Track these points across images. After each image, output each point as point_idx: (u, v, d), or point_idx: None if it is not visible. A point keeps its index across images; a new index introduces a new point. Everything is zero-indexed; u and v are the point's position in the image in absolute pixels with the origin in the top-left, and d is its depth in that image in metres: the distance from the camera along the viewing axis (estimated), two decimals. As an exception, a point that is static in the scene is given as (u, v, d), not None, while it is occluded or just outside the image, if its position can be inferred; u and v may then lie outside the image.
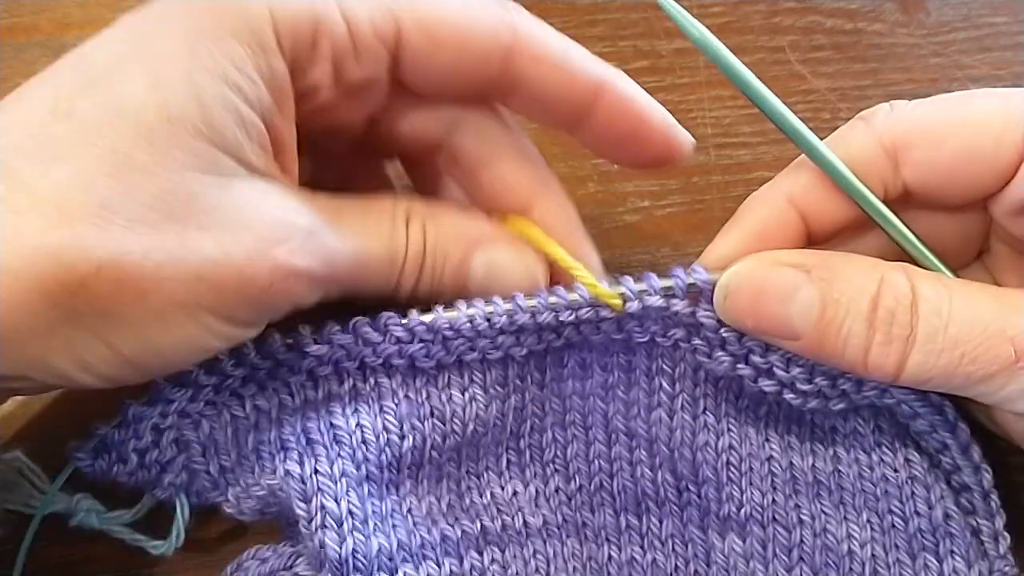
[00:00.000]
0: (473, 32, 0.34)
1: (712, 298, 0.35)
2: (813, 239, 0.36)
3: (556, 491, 0.37)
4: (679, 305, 0.35)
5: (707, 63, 0.51)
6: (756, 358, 0.35)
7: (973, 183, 0.34)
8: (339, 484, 0.33)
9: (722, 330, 0.35)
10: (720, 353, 0.35)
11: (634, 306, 0.35)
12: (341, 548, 0.32)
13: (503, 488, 0.36)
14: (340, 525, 0.32)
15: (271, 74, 0.31)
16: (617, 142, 0.36)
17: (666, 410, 0.36)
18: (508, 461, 0.37)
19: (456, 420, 0.35)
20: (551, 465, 0.37)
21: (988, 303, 0.32)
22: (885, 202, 0.35)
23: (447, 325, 0.34)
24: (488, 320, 0.34)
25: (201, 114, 0.30)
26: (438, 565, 0.34)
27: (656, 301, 0.35)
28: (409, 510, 0.34)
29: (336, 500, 0.32)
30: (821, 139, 0.35)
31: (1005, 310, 0.32)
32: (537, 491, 0.37)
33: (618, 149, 0.37)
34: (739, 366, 0.35)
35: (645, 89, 0.50)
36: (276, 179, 0.32)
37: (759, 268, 0.33)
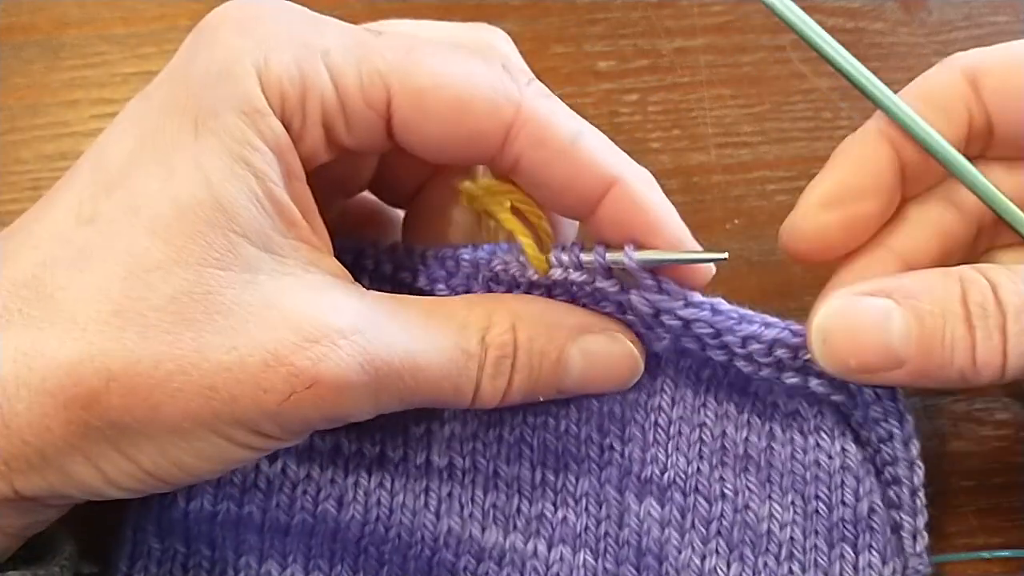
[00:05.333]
0: (470, 107, 0.31)
1: (644, 284, 0.33)
2: (908, 187, 0.36)
3: (472, 436, 0.36)
4: (605, 284, 0.33)
5: (708, 63, 0.51)
6: (701, 329, 0.34)
7: None
8: None
9: (660, 316, 0.34)
10: (660, 330, 0.34)
11: (556, 273, 0.33)
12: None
13: (418, 425, 0.36)
14: None
15: (273, 137, 0.29)
16: (626, 240, 0.33)
17: None
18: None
19: None
20: (474, 410, 0.35)
21: None
22: (972, 131, 0.35)
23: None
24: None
25: (213, 200, 0.28)
26: (321, 468, 0.34)
27: (580, 276, 0.33)
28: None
29: None
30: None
31: None
32: (452, 433, 0.36)
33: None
34: (683, 339, 0.34)
35: (645, 88, 0.50)
36: (305, 258, 0.30)
37: (844, 307, 0.33)
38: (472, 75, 0.31)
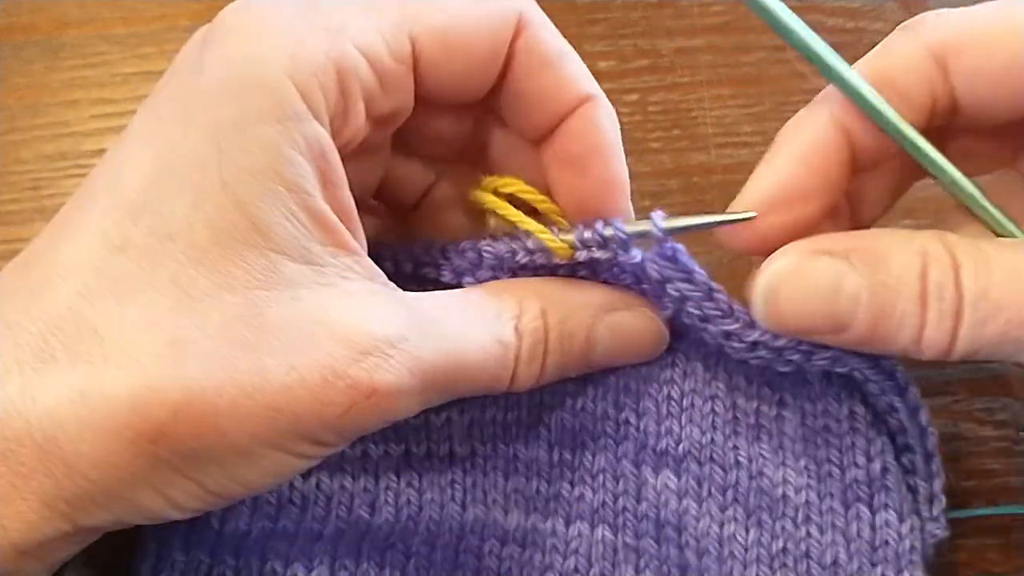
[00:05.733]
0: (487, 29, 0.32)
1: (662, 249, 0.34)
2: (859, 164, 0.34)
3: (492, 421, 0.36)
4: (625, 256, 0.34)
5: (708, 63, 0.51)
6: (692, 309, 0.34)
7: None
8: None
9: (666, 285, 0.34)
10: (665, 299, 0.35)
11: (582, 255, 0.34)
12: None
13: (438, 415, 0.36)
14: None
15: (308, 144, 0.29)
16: (568, 162, 0.34)
17: None
18: None
19: None
20: (491, 395, 0.36)
21: (1020, 254, 0.30)
22: (935, 115, 0.33)
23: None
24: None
25: (247, 222, 0.28)
26: (353, 478, 0.34)
27: (604, 254, 0.34)
28: None
29: None
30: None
31: None
32: (472, 420, 0.36)
33: (565, 171, 0.35)
34: (682, 314, 0.35)
35: (645, 88, 0.50)
36: (343, 263, 0.30)
37: (797, 266, 0.32)
38: (477, 3, 0.32)
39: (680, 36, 0.51)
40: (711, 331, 0.34)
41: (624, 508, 0.35)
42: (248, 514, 0.33)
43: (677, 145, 0.48)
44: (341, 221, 0.30)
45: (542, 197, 0.35)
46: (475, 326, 0.31)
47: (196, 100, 0.29)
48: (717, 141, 0.48)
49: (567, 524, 0.35)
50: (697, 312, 0.34)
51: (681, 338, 0.36)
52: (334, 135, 0.30)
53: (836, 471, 0.35)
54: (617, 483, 0.35)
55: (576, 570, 0.34)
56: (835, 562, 0.34)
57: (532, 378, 0.33)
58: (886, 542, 0.34)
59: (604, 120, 0.34)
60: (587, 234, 0.34)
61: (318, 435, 0.29)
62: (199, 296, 0.27)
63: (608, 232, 0.34)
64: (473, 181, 0.37)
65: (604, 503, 0.35)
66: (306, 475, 0.34)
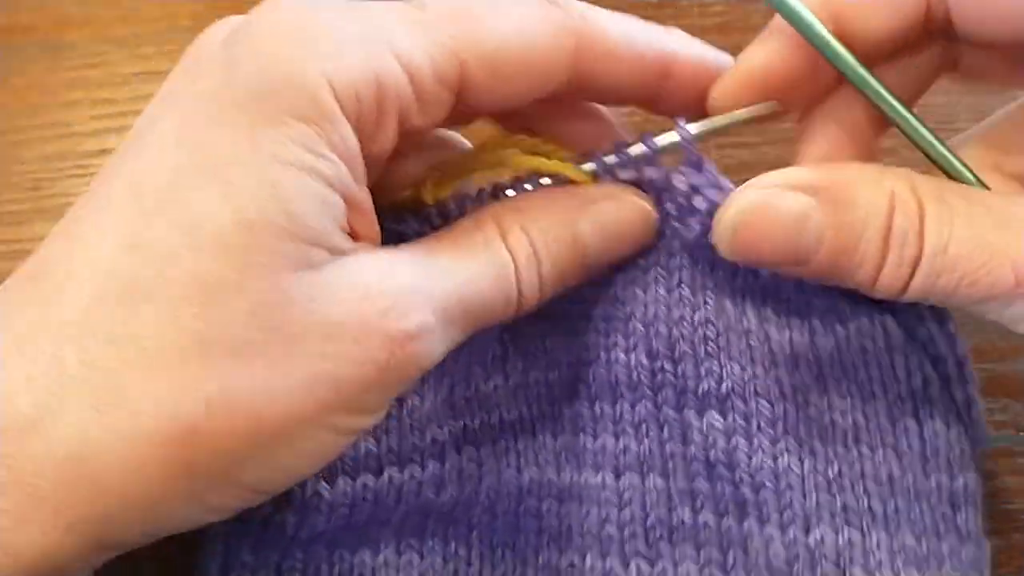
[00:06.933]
0: (536, 55, 0.31)
1: (688, 160, 0.34)
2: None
3: (536, 383, 0.36)
4: (651, 172, 0.34)
5: (708, 63, 0.51)
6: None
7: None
8: None
9: (693, 197, 0.34)
10: (691, 219, 0.35)
11: (606, 180, 0.34)
12: None
13: (485, 383, 0.36)
14: None
15: (344, 146, 0.28)
16: (696, 101, 0.35)
17: (640, 285, 0.36)
18: (493, 356, 0.36)
19: None
20: (531, 357, 0.36)
21: (992, 221, 0.30)
22: (928, 28, 0.33)
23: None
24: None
25: (283, 213, 0.27)
26: (422, 467, 0.34)
27: (630, 173, 0.34)
28: (410, 411, 0.34)
29: None
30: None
31: (1010, 231, 0.29)
32: (517, 385, 0.36)
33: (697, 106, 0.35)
34: (710, 235, 0.34)
35: (646, 89, 0.50)
36: (359, 251, 0.30)
37: (764, 199, 0.32)
38: (528, 19, 0.31)
39: (680, 36, 0.51)
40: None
41: (672, 454, 0.34)
42: (325, 518, 0.33)
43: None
44: (363, 216, 0.30)
45: (548, 147, 0.35)
46: (472, 259, 0.31)
47: (227, 98, 0.28)
48: (717, 142, 0.48)
49: (617, 477, 0.35)
50: None
51: (707, 277, 0.36)
52: (363, 144, 0.29)
53: (879, 390, 0.35)
54: (662, 430, 0.35)
55: (633, 519, 0.34)
56: (890, 477, 0.33)
57: (534, 290, 0.33)
58: (937, 451, 0.34)
59: (697, 59, 0.35)
60: (611, 158, 0.34)
61: (359, 400, 0.28)
62: (224, 287, 0.26)
63: (636, 151, 0.34)
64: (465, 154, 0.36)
65: (651, 451, 0.34)
66: (378, 472, 0.33)
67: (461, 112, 0.32)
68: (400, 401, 0.33)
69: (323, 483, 0.32)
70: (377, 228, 0.31)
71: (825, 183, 0.31)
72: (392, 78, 0.29)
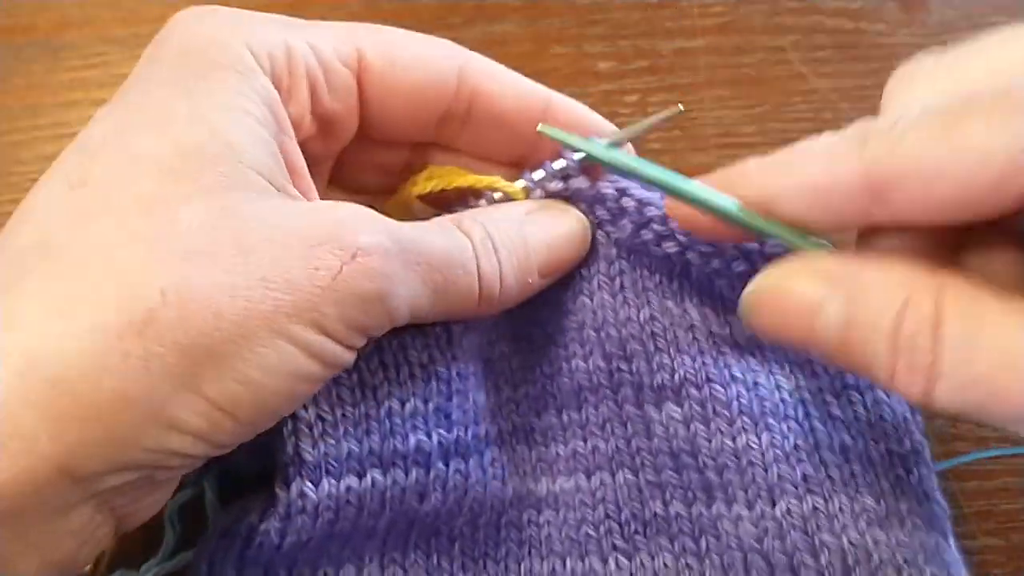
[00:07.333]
0: (429, 53, 0.36)
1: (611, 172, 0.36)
2: None
3: (508, 400, 0.38)
4: (579, 182, 0.36)
5: (707, 63, 0.52)
6: (656, 226, 0.36)
7: (977, 211, 0.28)
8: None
9: (622, 199, 0.36)
10: (623, 221, 0.36)
11: (537, 194, 0.36)
12: (314, 451, 0.32)
13: (467, 398, 0.36)
14: (311, 430, 0.32)
15: (265, 93, 0.31)
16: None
17: (586, 294, 0.38)
18: (471, 374, 0.37)
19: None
20: (503, 376, 0.38)
21: (1022, 332, 0.26)
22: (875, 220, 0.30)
23: None
24: None
25: (221, 143, 0.29)
26: (405, 473, 0.34)
27: (557, 185, 0.36)
28: (388, 413, 0.34)
29: (304, 407, 0.32)
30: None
31: None
32: (495, 403, 0.37)
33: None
34: (642, 231, 0.36)
35: (645, 89, 0.50)
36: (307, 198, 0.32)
37: (782, 282, 0.31)
38: (428, 38, 0.36)
39: (680, 37, 0.51)
40: (669, 243, 0.36)
41: (638, 449, 0.36)
42: (310, 522, 0.33)
43: (677, 146, 0.48)
44: (302, 180, 0.32)
45: (482, 178, 0.37)
46: (428, 229, 0.32)
47: (158, 65, 0.31)
48: (717, 142, 0.48)
49: (588, 477, 0.36)
50: (659, 228, 0.36)
51: (646, 279, 0.37)
52: (282, 103, 0.32)
53: (819, 367, 0.36)
54: (625, 427, 0.36)
55: (607, 516, 0.35)
56: (842, 446, 0.35)
57: (494, 272, 0.33)
58: (881, 417, 0.35)
59: (569, 106, 0.37)
60: (539, 172, 0.36)
61: (318, 312, 0.28)
62: (170, 200, 0.28)
63: (558, 165, 0.36)
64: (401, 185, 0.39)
65: (618, 448, 0.36)
66: (360, 475, 0.33)
67: (378, 125, 0.36)
68: (378, 403, 0.34)
69: (308, 483, 0.32)
70: (315, 194, 0.33)
71: (845, 275, 0.29)
72: (299, 48, 0.33)
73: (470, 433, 0.35)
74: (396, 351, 0.34)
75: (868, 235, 0.32)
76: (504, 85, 0.37)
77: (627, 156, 0.36)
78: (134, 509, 0.30)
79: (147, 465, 0.28)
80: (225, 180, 0.28)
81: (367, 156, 0.38)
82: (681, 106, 0.36)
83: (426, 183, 0.37)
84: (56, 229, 0.27)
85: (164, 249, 0.27)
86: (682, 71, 0.50)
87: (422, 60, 0.35)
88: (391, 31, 0.36)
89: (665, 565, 0.34)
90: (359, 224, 0.29)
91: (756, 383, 0.36)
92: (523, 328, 0.39)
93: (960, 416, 0.29)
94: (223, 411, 0.27)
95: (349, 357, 0.30)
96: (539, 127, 0.36)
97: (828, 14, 0.52)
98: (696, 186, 0.33)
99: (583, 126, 0.37)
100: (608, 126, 0.38)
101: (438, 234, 0.32)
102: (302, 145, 0.34)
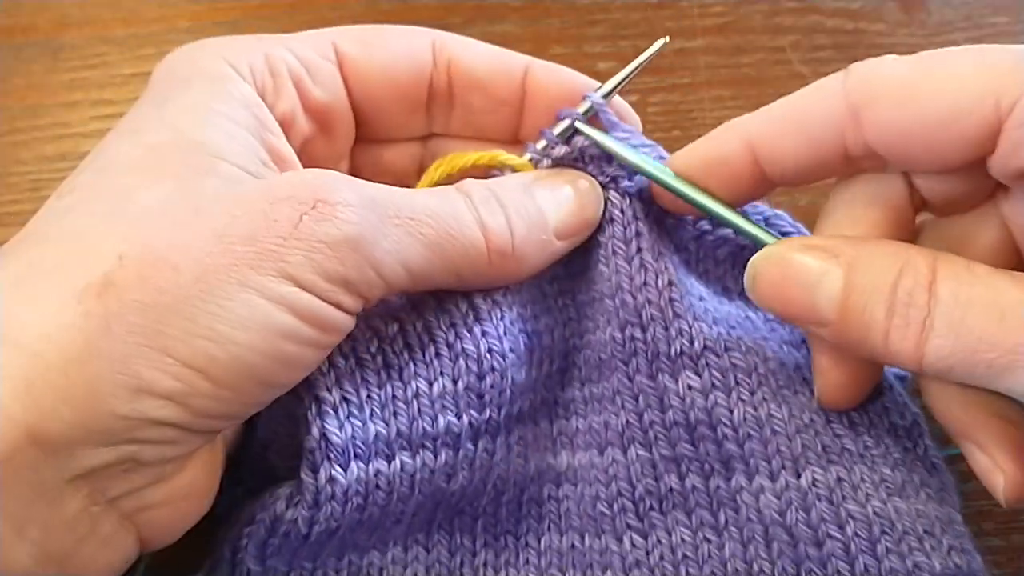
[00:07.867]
0: (401, 32, 0.37)
1: (608, 123, 0.37)
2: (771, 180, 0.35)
3: (545, 376, 0.37)
4: (582, 142, 0.36)
5: (707, 64, 0.52)
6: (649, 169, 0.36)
7: (943, 148, 0.31)
8: (329, 375, 0.32)
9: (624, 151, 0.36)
10: (629, 180, 0.36)
11: (545, 163, 0.37)
12: (341, 432, 0.31)
13: (502, 378, 0.36)
14: (336, 411, 0.32)
15: (244, 97, 0.33)
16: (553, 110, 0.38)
17: (604, 262, 0.36)
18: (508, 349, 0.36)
19: None
20: (545, 351, 0.37)
21: (1013, 287, 0.29)
22: (848, 159, 0.33)
23: None
24: None
25: (187, 141, 0.30)
26: (435, 455, 0.33)
27: (562, 150, 0.36)
28: (416, 394, 0.34)
29: (328, 389, 0.32)
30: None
31: None
32: (523, 380, 0.36)
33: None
34: (643, 190, 0.36)
35: (645, 89, 0.50)
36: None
37: (785, 253, 0.32)
38: (400, 26, 0.38)
39: (680, 37, 0.51)
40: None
41: (651, 422, 0.35)
42: (339, 511, 0.32)
43: (677, 146, 0.48)
44: (290, 168, 0.33)
45: (485, 155, 0.37)
46: (412, 191, 0.32)
47: (144, 94, 0.33)
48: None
49: (600, 453, 0.36)
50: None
51: (662, 244, 0.37)
52: (270, 108, 0.34)
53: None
54: (637, 401, 0.35)
55: (620, 493, 0.35)
56: (851, 420, 0.34)
57: (503, 228, 0.33)
58: (882, 392, 0.35)
59: (554, 66, 0.38)
60: (541, 141, 0.37)
61: (283, 260, 0.28)
62: (134, 189, 0.29)
63: (558, 129, 0.37)
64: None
65: (628, 423, 0.35)
66: (389, 458, 0.33)
67: (373, 117, 0.38)
68: (404, 384, 0.33)
69: (337, 467, 0.31)
70: None
71: (846, 249, 0.31)
72: (278, 52, 0.35)
73: (503, 413, 0.34)
74: (421, 332, 0.34)
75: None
76: (479, 53, 0.38)
77: (653, 163, 0.36)
78: (145, 512, 0.30)
79: (125, 437, 0.27)
80: (190, 169, 0.30)
81: (376, 158, 0.39)
82: (667, 38, 0.37)
83: (433, 172, 0.37)
84: (38, 227, 0.30)
85: (122, 220, 0.28)
86: (682, 71, 0.50)
87: (395, 38, 0.37)
88: (362, 27, 0.37)
89: (683, 540, 0.34)
90: (322, 180, 0.29)
91: (768, 355, 0.35)
92: (562, 301, 0.38)
93: (947, 376, 0.30)
94: (194, 369, 0.27)
95: (341, 317, 0.30)
96: (575, 123, 0.37)
97: (828, 14, 0.52)
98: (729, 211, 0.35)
99: (567, 87, 0.38)
100: (591, 82, 0.38)
101: (423, 193, 0.32)
102: (306, 148, 0.35)
